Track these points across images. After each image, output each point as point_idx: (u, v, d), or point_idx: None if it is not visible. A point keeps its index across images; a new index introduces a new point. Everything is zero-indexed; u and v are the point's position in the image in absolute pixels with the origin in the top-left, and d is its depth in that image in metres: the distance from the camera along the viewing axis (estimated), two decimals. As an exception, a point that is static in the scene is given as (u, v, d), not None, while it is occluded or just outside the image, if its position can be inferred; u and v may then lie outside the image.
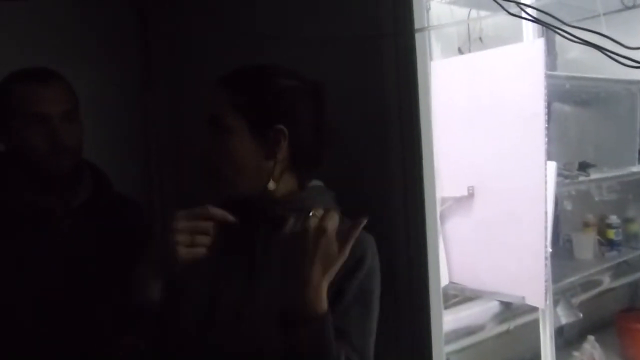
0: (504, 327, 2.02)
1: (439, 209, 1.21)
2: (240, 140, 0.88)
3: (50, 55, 1.29)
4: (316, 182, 0.97)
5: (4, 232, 1.05)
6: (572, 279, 2.04)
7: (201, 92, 0.93)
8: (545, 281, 1.76)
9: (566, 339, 2.28)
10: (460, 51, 2.11)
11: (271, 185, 0.90)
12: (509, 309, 2.03)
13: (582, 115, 2.37)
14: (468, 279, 1.94)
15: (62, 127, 1.05)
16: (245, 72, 0.92)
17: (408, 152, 1.08)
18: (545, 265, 1.76)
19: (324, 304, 0.77)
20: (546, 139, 1.72)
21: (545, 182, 1.74)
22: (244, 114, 0.88)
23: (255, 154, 0.89)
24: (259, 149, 0.89)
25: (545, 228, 1.76)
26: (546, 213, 1.75)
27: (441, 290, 1.10)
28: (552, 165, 1.82)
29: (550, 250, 1.78)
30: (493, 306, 2.03)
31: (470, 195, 1.93)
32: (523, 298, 1.83)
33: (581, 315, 2.12)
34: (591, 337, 2.23)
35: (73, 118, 1.08)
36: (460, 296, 2.00)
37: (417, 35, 1.07)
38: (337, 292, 0.85)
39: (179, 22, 1.59)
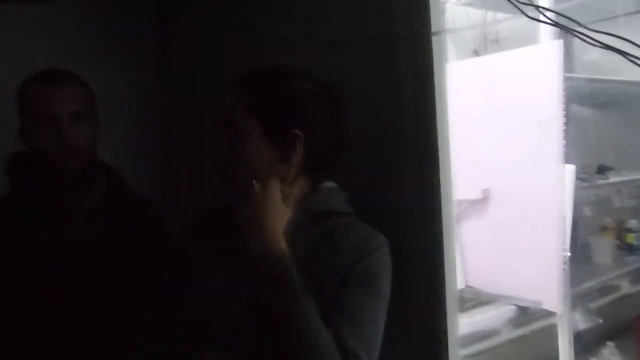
0: (520, 332, 2.00)
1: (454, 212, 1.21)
2: (255, 144, 0.88)
3: (68, 55, 1.32)
4: (329, 183, 0.97)
5: (20, 231, 1.07)
6: (590, 283, 2.01)
7: (217, 94, 0.94)
8: (563, 286, 1.74)
9: (584, 345, 2.24)
10: (476, 53, 2.10)
11: (292, 187, 0.92)
12: (525, 314, 2.01)
13: (601, 118, 2.34)
14: (484, 283, 1.93)
15: (71, 127, 1.06)
16: (260, 74, 0.92)
17: (424, 154, 1.08)
18: (563, 269, 1.74)
19: (278, 243, 0.85)
20: (564, 142, 1.70)
21: (563, 186, 1.72)
22: (260, 117, 0.88)
23: (269, 157, 0.89)
24: (274, 153, 0.89)
25: (563, 232, 1.74)
26: (564, 217, 1.73)
27: (457, 294, 1.10)
28: (569, 169, 1.80)
29: (568, 254, 1.76)
30: (509, 310, 2.01)
31: (486, 198, 1.92)
32: (540, 303, 1.81)
33: (600, 320, 2.09)
34: (610, 343, 2.19)
35: (84, 118, 1.08)
36: (475, 300, 1.98)
37: (433, 38, 1.06)
38: (345, 275, 0.86)
39: (196, 21, 1.61)
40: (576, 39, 0.89)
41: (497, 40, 2.11)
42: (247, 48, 1.39)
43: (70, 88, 1.08)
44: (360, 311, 0.86)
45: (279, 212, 0.87)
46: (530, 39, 1.85)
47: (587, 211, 2.29)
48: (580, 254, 2.25)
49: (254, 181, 0.87)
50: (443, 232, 1.08)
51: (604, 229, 2.28)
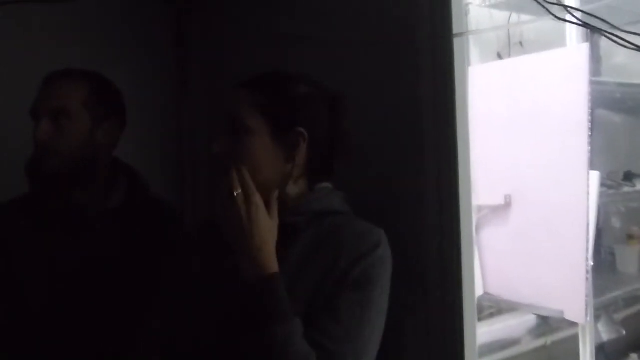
0: (540, 342, 1.95)
1: (474, 217, 1.18)
2: (261, 142, 0.89)
3: (85, 55, 1.30)
4: (324, 184, 0.97)
5: (32, 232, 1.05)
6: (615, 293, 1.96)
7: (224, 94, 0.94)
8: (586, 296, 1.69)
9: (607, 357, 2.18)
10: (500, 56, 2.06)
11: (291, 189, 0.91)
12: (546, 323, 1.96)
13: (629, 124, 2.27)
14: (504, 291, 1.88)
15: (46, 124, 1.01)
16: (268, 76, 0.94)
17: (444, 159, 1.05)
18: (587, 279, 1.69)
19: (267, 267, 0.83)
20: (589, 148, 1.66)
21: (588, 193, 1.68)
22: (265, 115, 0.89)
23: (274, 156, 0.89)
24: (279, 151, 0.89)
25: (587, 240, 1.69)
26: (588, 224, 1.68)
27: (475, 302, 1.07)
28: (594, 175, 1.75)
29: (591, 263, 1.71)
30: (529, 319, 1.96)
31: (507, 204, 1.88)
32: (562, 312, 1.76)
33: (624, 332, 2.02)
34: (634, 355, 2.12)
35: (67, 116, 1.02)
36: (494, 308, 1.94)
37: (456, 40, 1.04)
38: (341, 277, 0.85)
39: (214, 23, 1.60)
40: (604, 42, 0.85)
41: (521, 43, 2.07)
42: (264, 49, 1.37)
43: (55, 84, 1.03)
44: (355, 320, 0.83)
45: (267, 230, 0.85)
46: (555, 43, 1.81)
47: (612, 219, 2.23)
48: (604, 263, 2.19)
49: (235, 193, 0.84)
50: (462, 237, 1.05)
51: (630, 237, 2.21)
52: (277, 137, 0.89)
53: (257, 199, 0.85)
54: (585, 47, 1.64)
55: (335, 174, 0.97)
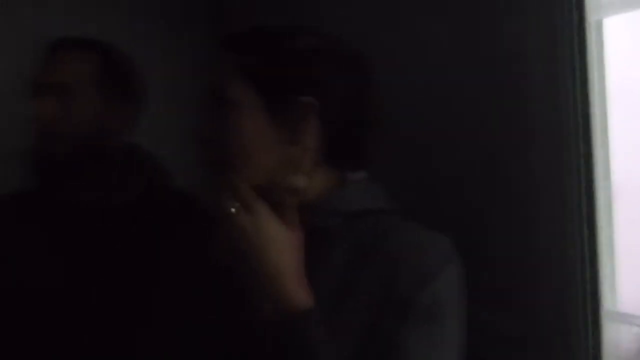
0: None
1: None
2: (250, 117, 0.67)
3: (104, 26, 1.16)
4: (358, 173, 0.74)
5: (33, 228, 0.94)
6: None
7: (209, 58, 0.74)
8: None
9: None
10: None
11: (300, 181, 0.66)
12: None
13: None
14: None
15: (47, 102, 0.89)
16: (256, 30, 0.72)
17: (568, 132, 0.80)
18: None
19: (294, 300, 0.63)
20: None
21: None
22: (254, 81, 0.67)
23: (273, 136, 0.67)
24: (279, 130, 0.67)
25: None
26: None
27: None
28: None
29: None
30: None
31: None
32: None
33: None
34: None
35: (71, 94, 0.90)
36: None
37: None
38: (406, 299, 0.66)
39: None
40: None
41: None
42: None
43: (61, 55, 0.91)
44: (416, 349, 0.66)
45: (283, 248, 0.64)
46: None
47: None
48: None
49: (232, 208, 0.63)
50: (597, 235, 0.81)
51: None
52: (274, 109, 0.67)
53: (262, 209, 0.64)
54: None
55: (370, 159, 0.74)
